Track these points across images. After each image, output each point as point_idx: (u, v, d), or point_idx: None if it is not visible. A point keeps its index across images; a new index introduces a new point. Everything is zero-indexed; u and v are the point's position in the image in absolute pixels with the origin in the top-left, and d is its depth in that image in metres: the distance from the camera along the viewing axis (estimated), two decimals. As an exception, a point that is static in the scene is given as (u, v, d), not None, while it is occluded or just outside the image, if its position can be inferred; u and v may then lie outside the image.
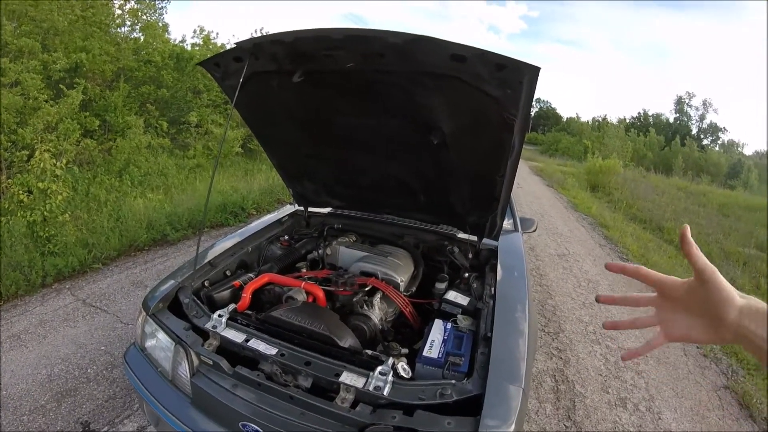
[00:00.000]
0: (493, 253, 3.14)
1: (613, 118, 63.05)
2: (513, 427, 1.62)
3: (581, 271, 7.53)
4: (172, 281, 2.56)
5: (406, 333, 2.74)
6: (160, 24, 13.83)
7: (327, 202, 3.69)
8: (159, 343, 2.30)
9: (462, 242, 3.31)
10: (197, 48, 14.03)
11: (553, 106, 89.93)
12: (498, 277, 2.69)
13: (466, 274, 2.95)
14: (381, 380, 1.80)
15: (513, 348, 2.04)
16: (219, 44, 14.63)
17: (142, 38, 12.75)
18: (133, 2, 12.84)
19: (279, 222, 3.69)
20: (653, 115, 67.09)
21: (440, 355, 2.07)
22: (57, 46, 9.59)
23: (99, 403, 3.40)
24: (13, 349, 3.99)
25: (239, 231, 3.44)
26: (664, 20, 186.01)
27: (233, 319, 2.25)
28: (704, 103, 63.94)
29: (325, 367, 1.91)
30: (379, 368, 1.85)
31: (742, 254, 10.41)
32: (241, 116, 3.00)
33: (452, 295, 2.61)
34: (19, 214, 5.86)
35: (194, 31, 14.63)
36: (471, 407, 1.71)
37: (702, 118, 64.13)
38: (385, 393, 1.75)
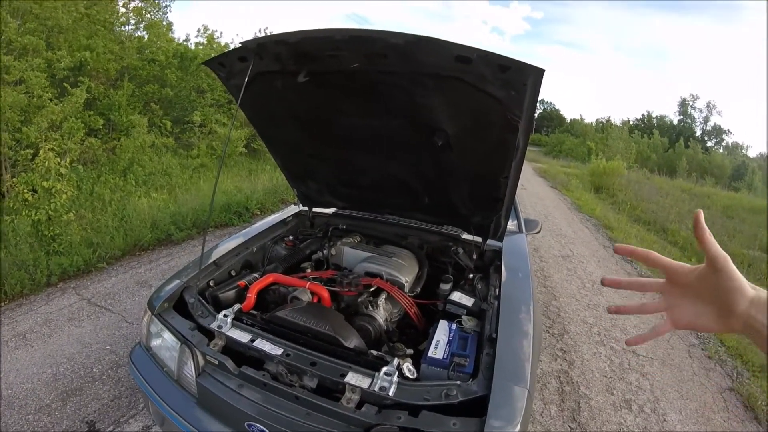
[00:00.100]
0: (498, 254, 3.13)
1: (616, 120, 63.04)
2: (518, 428, 1.62)
3: (585, 272, 7.52)
4: (177, 281, 2.56)
5: (411, 334, 2.75)
6: (164, 23, 13.84)
7: (331, 203, 3.69)
8: (164, 342, 2.30)
9: (466, 243, 3.30)
10: (201, 47, 14.02)
11: (556, 108, 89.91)
12: (502, 278, 2.69)
13: (471, 275, 2.95)
14: (386, 381, 1.80)
15: (518, 349, 2.03)
16: (223, 43, 14.64)
17: (146, 37, 12.76)
18: (137, 0, 12.86)
19: (283, 222, 3.69)
20: (657, 116, 67.07)
21: (445, 356, 2.07)
22: (61, 44, 9.59)
23: (104, 403, 3.40)
24: (19, 348, 4.00)
25: (244, 231, 3.44)
26: (666, 22, 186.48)
27: (238, 319, 2.26)
28: (708, 105, 63.93)
29: (331, 367, 1.91)
30: (385, 369, 1.85)
31: (747, 256, 10.37)
32: (246, 116, 3.01)
33: (457, 296, 2.62)
34: (23, 213, 5.87)
35: (198, 30, 14.64)
36: (476, 408, 1.71)
37: (706, 120, 64.08)
38: (390, 393, 1.76)
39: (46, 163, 6.10)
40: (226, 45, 14.59)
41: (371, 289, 2.72)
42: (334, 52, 2.09)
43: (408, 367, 1.96)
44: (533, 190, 17.79)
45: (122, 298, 5.03)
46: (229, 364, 2.01)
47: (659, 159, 45.87)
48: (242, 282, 2.75)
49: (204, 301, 2.42)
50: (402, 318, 2.76)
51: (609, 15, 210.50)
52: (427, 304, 2.86)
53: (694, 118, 64.53)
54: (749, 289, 0.76)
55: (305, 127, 2.89)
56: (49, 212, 5.96)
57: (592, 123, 68.63)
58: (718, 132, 63.53)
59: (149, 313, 2.40)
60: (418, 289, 2.96)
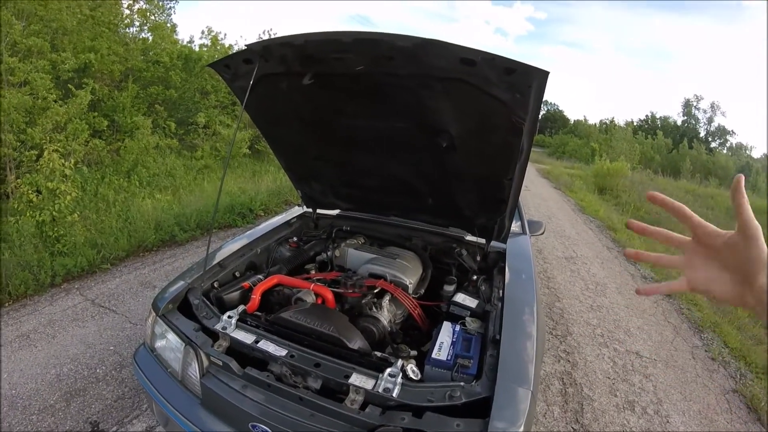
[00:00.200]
0: (502, 255, 3.14)
1: (620, 121, 62.86)
2: (521, 429, 1.63)
3: (589, 273, 7.52)
4: (181, 282, 2.57)
5: (415, 335, 2.75)
6: (169, 25, 13.86)
7: (335, 204, 3.70)
8: (169, 343, 2.31)
9: (470, 245, 3.31)
10: (205, 49, 14.04)
11: (560, 109, 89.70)
12: (506, 280, 2.70)
13: (475, 277, 2.96)
14: (390, 382, 1.80)
15: (521, 350, 2.04)
16: (227, 45, 14.66)
17: (150, 39, 12.79)
18: (142, 2, 12.88)
19: (287, 224, 3.69)
20: (661, 117, 66.88)
21: (449, 357, 2.08)
22: (66, 45, 9.61)
23: (108, 403, 3.41)
24: (23, 349, 4.01)
25: (248, 233, 3.45)
26: (669, 22, 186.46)
27: (243, 321, 2.26)
28: (712, 106, 63.68)
29: (335, 368, 1.91)
30: (389, 370, 1.85)
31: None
32: (250, 117, 3.01)
33: (461, 298, 2.62)
34: (28, 214, 5.89)
35: (202, 32, 14.66)
36: (480, 409, 1.72)
37: (710, 120, 63.81)
38: (394, 395, 1.76)
39: (51, 164, 6.12)
40: (230, 46, 14.63)
41: (375, 291, 2.73)
42: (339, 55, 2.10)
43: (412, 369, 1.96)
44: (537, 191, 17.78)
45: (126, 299, 5.04)
46: (234, 365, 2.02)
47: (663, 160, 45.75)
48: (246, 283, 2.76)
49: (208, 303, 2.43)
50: (406, 319, 2.77)
51: (612, 15, 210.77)
52: (431, 306, 2.88)
53: (698, 118, 64.35)
54: None
55: (310, 129, 2.90)
56: (54, 213, 5.98)
57: (595, 124, 68.54)
58: (722, 133, 63.31)
59: (154, 314, 2.41)
60: (422, 291, 2.97)
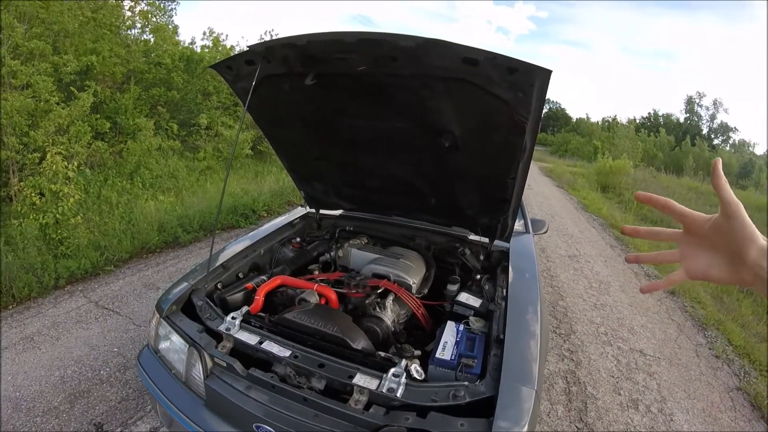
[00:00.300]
0: (505, 254, 3.14)
1: (623, 119, 62.76)
2: (526, 428, 1.63)
3: (592, 272, 7.51)
4: (185, 283, 2.57)
5: (418, 335, 2.75)
6: (170, 26, 13.90)
7: (338, 204, 3.70)
8: (173, 345, 2.31)
9: (473, 244, 3.30)
10: (207, 50, 14.07)
11: (562, 107, 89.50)
12: (510, 279, 2.69)
13: (478, 276, 2.95)
14: (394, 382, 1.80)
15: (525, 350, 2.04)
16: (228, 46, 14.68)
17: (152, 40, 12.82)
18: (143, 4, 12.91)
19: (290, 224, 3.69)
20: (663, 115, 66.74)
21: (453, 357, 2.08)
22: (67, 48, 9.65)
23: (112, 405, 3.41)
24: (27, 351, 4.02)
25: (251, 234, 3.45)
26: (671, 21, 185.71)
27: (246, 322, 2.26)
28: (715, 103, 63.57)
29: (339, 369, 1.91)
30: (393, 370, 1.85)
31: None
32: (253, 118, 3.01)
33: (464, 297, 2.62)
34: (31, 217, 5.90)
35: (204, 33, 14.70)
36: (484, 409, 1.72)
37: (713, 117, 63.72)
38: (398, 395, 1.76)
39: (54, 166, 6.13)
40: (232, 47, 14.66)
41: (379, 291, 2.73)
42: (342, 55, 2.10)
43: (416, 369, 1.96)
44: (539, 189, 17.76)
45: (130, 301, 5.05)
46: (237, 366, 2.02)
47: (666, 157, 45.70)
48: (250, 284, 2.76)
49: (212, 304, 2.43)
50: (409, 319, 2.77)
51: (614, 14, 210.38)
52: (435, 305, 2.87)
53: (700, 115, 64.24)
54: (761, 239, 0.75)
55: (312, 129, 2.90)
56: (57, 216, 5.98)
57: (598, 122, 68.48)
58: (724, 130, 63.23)
59: (157, 315, 2.41)
60: (426, 290, 2.97)
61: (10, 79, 7.22)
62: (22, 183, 6.44)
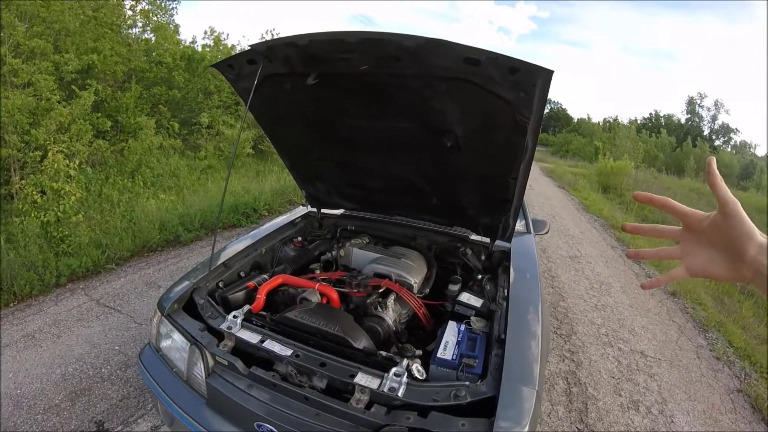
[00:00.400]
0: (506, 254, 3.14)
1: (624, 119, 62.76)
2: (526, 428, 1.63)
3: (593, 272, 7.51)
4: (186, 282, 2.57)
5: (420, 334, 2.75)
6: (171, 25, 13.90)
7: (339, 204, 3.70)
8: (174, 343, 2.31)
9: (475, 244, 3.31)
10: (208, 49, 14.07)
11: (563, 107, 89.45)
12: (511, 279, 2.69)
13: (479, 276, 2.96)
14: (396, 381, 1.80)
15: (526, 350, 2.04)
16: (229, 45, 14.68)
17: (153, 39, 12.82)
18: (144, 3, 12.91)
19: (292, 223, 3.70)
20: (665, 115, 66.77)
21: (454, 357, 2.08)
22: (68, 47, 9.65)
23: (113, 403, 3.42)
24: (28, 349, 4.02)
25: (252, 232, 3.45)
26: (672, 21, 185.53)
27: (248, 320, 2.26)
28: (716, 104, 63.59)
29: (340, 368, 1.92)
30: (394, 369, 1.85)
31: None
32: (254, 118, 3.01)
33: (465, 297, 2.62)
34: (32, 215, 5.91)
35: (205, 32, 14.70)
36: (485, 409, 1.72)
37: (714, 118, 63.77)
38: (399, 394, 1.76)
39: (55, 165, 6.14)
40: (233, 47, 14.66)
41: (380, 290, 2.73)
42: (344, 55, 2.10)
43: (417, 368, 1.97)
44: (540, 190, 17.75)
45: (131, 299, 5.05)
46: (239, 364, 2.02)
47: (667, 158, 45.71)
48: (251, 283, 2.76)
49: (213, 302, 2.43)
50: (411, 319, 2.77)
51: (615, 14, 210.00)
52: (436, 305, 2.87)
53: (701, 116, 64.32)
54: (759, 236, 0.76)
55: (314, 129, 2.90)
56: (58, 214, 5.99)
57: (599, 122, 68.53)
58: (726, 131, 63.24)
59: (159, 314, 2.42)
60: (427, 290, 2.97)
61: (12, 78, 7.22)
62: (23, 181, 6.44)
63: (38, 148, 6.96)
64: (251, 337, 2.11)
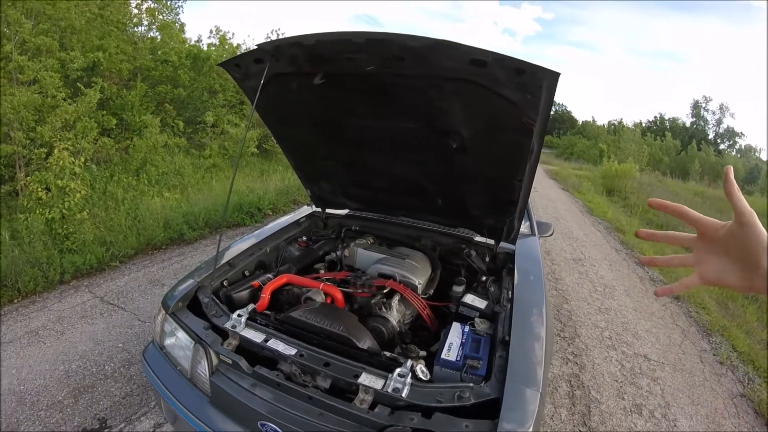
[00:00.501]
0: (510, 256, 3.13)
1: (629, 122, 62.70)
2: (530, 430, 1.63)
3: (597, 275, 7.50)
4: (191, 280, 2.57)
5: (424, 335, 2.75)
6: (177, 24, 13.93)
7: (344, 204, 3.70)
8: (178, 341, 2.31)
9: (479, 245, 3.30)
10: (213, 48, 14.12)
11: (568, 110, 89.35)
12: (515, 281, 2.69)
13: (484, 278, 2.95)
14: (400, 382, 1.80)
15: (530, 352, 2.04)
16: (235, 44, 14.72)
17: (159, 38, 12.85)
18: (150, 1, 12.95)
19: (297, 223, 3.70)
20: (670, 119, 66.74)
21: (458, 358, 2.08)
22: (74, 44, 9.69)
23: (116, 400, 3.42)
24: (31, 345, 4.03)
25: (256, 232, 3.45)
26: (678, 23, 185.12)
27: (252, 319, 2.26)
28: (721, 107, 63.48)
29: (344, 368, 1.91)
30: (398, 370, 1.85)
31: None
32: (260, 117, 3.01)
33: (470, 299, 2.61)
34: (37, 212, 5.92)
35: (210, 31, 14.76)
36: (488, 410, 1.72)
37: (719, 122, 63.65)
38: (403, 395, 1.76)
39: (61, 162, 6.15)
40: (238, 46, 14.71)
41: (384, 291, 2.73)
42: (350, 55, 2.10)
43: (421, 369, 1.96)
44: (545, 192, 17.74)
45: (135, 297, 5.06)
46: (243, 363, 2.02)
47: (672, 162, 45.67)
48: (256, 282, 2.76)
49: (218, 301, 2.43)
50: (415, 320, 2.77)
51: (620, 16, 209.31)
52: (440, 306, 2.87)
53: (706, 120, 64.23)
54: None
55: (320, 129, 2.91)
56: (63, 211, 6.00)
57: (604, 125, 68.45)
58: (731, 134, 63.13)
59: (163, 312, 2.42)
60: (431, 291, 2.96)
61: (18, 75, 7.25)
62: (28, 178, 6.46)
63: (43, 145, 6.99)
64: (255, 336, 2.11)
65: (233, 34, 18.15)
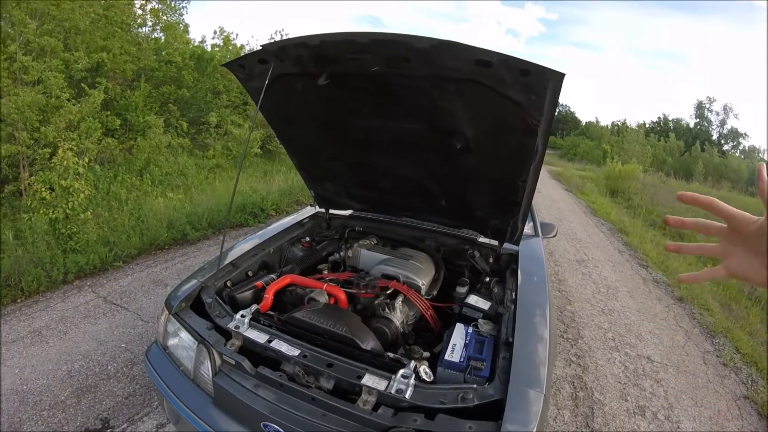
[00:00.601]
0: (514, 257, 3.12)
1: (632, 123, 62.63)
2: (534, 431, 1.62)
3: (600, 277, 7.48)
4: (194, 281, 2.57)
5: (427, 336, 2.75)
6: (181, 25, 13.96)
7: (348, 204, 3.70)
8: (181, 342, 2.32)
9: (483, 246, 3.29)
10: (217, 49, 14.13)
11: (572, 110, 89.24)
12: (519, 282, 2.68)
13: (487, 279, 2.94)
14: (403, 383, 1.79)
15: (534, 353, 2.03)
16: (239, 45, 14.73)
17: (162, 38, 12.88)
18: (154, 2, 12.98)
19: (300, 224, 3.69)
20: (673, 119, 66.73)
21: (462, 360, 2.07)
22: (78, 45, 9.72)
23: (119, 400, 3.42)
24: (34, 345, 4.04)
25: (260, 232, 3.45)
26: (683, 23, 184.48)
27: (256, 320, 2.26)
28: (725, 108, 63.40)
29: (348, 369, 1.91)
30: (402, 371, 1.85)
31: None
32: (264, 117, 3.01)
33: (473, 300, 2.61)
34: (41, 211, 5.93)
35: (214, 32, 14.77)
36: (492, 412, 1.71)
37: (723, 123, 63.59)
38: (407, 396, 1.75)
39: (65, 162, 6.15)
40: (242, 47, 14.70)
41: (388, 292, 2.72)
42: (355, 56, 2.10)
43: (425, 370, 1.96)
44: (548, 193, 17.70)
45: (138, 297, 5.06)
46: (246, 364, 2.02)
47: (675, 162, 45.59)
48: (259, 283, 2.76)
49: (221, 301, 2.43)
50: (418, 321, 2.76)
51: (625, 16, 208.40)
52: (444, 307, 2.86)
53: (710, 121, 64.19)
54: None
55: (324, 129, 2.91)
56: (67, 211, 6.01)
57: (607, 126, 68.42)
58: (734, 135, 63.06)
59: (166, 312, 2.42)
60: (435, 292, 2.96)
61: (22, 75, 7.27)
62: (32, 178, 6.47)
63: (47, 145, 7.00)
64: (259, 337, 2.11)
65: (237, 34, 18.10)
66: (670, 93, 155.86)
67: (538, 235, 3.75)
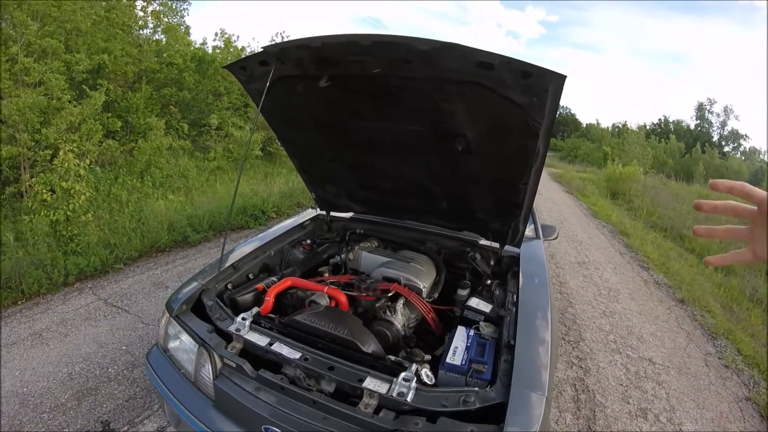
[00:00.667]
0: (515, 260, 3.12)
1: (633, 125, 62.64)
2: (536, 434, 1.62)
3: (601, 279, 7.47)
4: (195, 283, 2.57)
5: (428, 339, 2.74)
6: (182, 27, 13.98)
7: (349, 207, 3.69)
8: (182, 344, 2.31)
9: (484, 249, 3.29)
10: (218, 51, 14.15)
11: (572, 112, 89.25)
12: (520, 285, 2.67)
13: (488, 281, 2.94)
14: (404, 386, 1.79)
15: (535, 356, 2.03)
16: (240, 47, 14.74)
17: (164, 40, 12.89)
18: (155, 4, 12.99)
19: (301, 226, 3.69)
20: (674, 121, 66.64)
21: (463, 362, 2.07)
22: (80, 47, 9.72)
23: (119, 403, 3.42)
24: (35, 347, 4.03)
25: (261, 235, 3.45)
26: (684, 24, 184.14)
27: (256, 323, 2.26)
28: (725, 110, 63.39)
29: (349, 372, 1.91)
30: (403, 374, 1.84)
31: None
32: (265, 119, 3.01)
33: (475, 302, 2.60)
34: (42, 213, 5.92)
35: (215, 34, 14.83)
36: (494, 415, 1.71)
37: (723, 124, 63.57)
38: (408, 399, 1.75)
39: (66, 164, 6.15)
40: (243, 48, 14.71)
41: (389, 294, 2.72)
42: (357, 58, 2.10)
43: (426, 373, 1.96)
44: (549, 195, 17.69)
45: (139, 299, 5.06)
46: (247, 367, 2.01)
47: (676, 164, 45.55)
48: (260, 285, 2.76)
49: (222, 304, 2.43)
50: (419, 323, 2.76)
51: (626, 18, 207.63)
52: (445, 310, 2.86)
53: (711, 122, 64.17)
54: None
55: (325, 131, 2.91)
56: (68, 213, 6.01)
57: (608, 128, 68.40)
58: (735, 137, 63.06)
59: (167, 314, 2.42)
60: (436, 295, 2.95)
61: (23, 77, 7.27)
62: (33, 179, 6.47)
63: (48, 147, 7.00)
64: (259, 340, 2.11)
65: (238, 36, 18.12)
66: (669, 94, 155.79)
67: (539, 238, 3.75)
